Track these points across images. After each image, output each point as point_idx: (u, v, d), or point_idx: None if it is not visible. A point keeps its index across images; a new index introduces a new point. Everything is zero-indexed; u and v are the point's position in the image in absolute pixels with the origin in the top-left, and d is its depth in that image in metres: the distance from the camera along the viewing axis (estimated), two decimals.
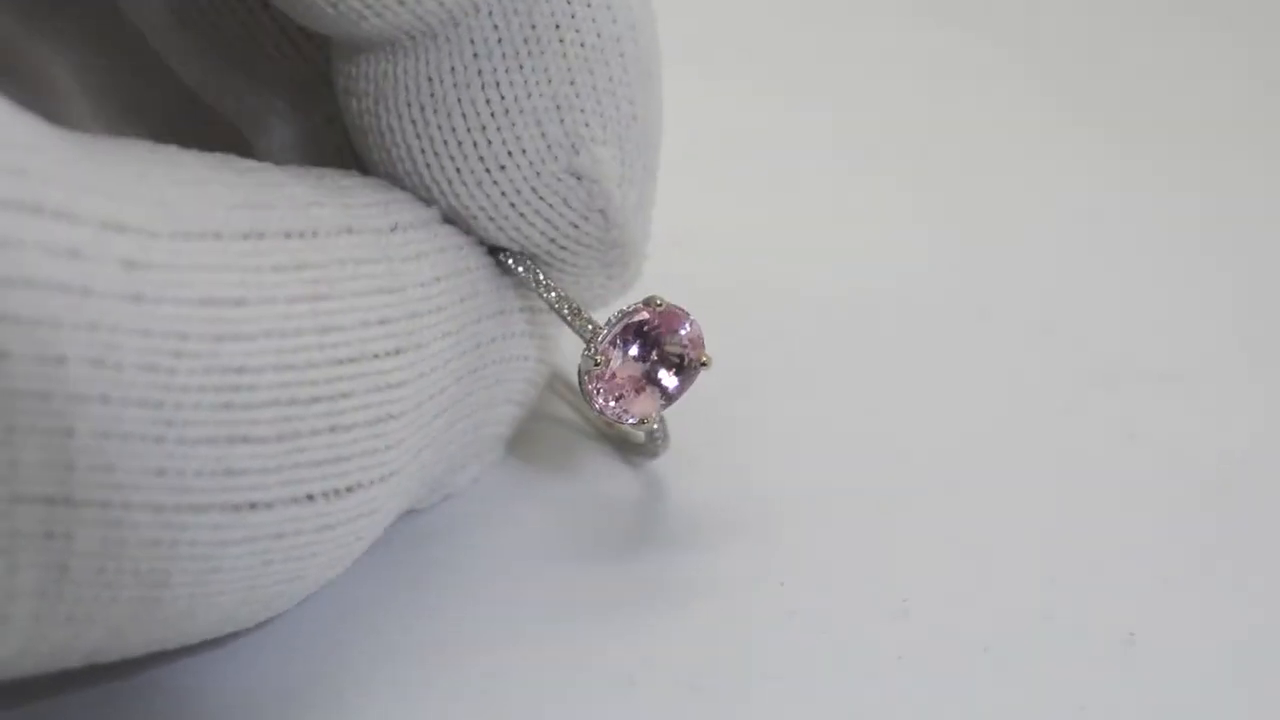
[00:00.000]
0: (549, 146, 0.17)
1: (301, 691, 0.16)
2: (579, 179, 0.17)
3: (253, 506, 0.14)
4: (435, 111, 0.16)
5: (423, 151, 0.17)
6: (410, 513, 0.19)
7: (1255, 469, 0.21)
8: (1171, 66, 0.41)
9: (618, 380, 0.18)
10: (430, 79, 0.16)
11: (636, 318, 0.18)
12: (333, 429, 0.14)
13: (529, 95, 0.16)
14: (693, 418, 0.20)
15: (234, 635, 0.17)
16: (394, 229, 0.16)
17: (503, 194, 0.17)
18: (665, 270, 0.22)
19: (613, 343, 0.17)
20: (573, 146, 0.17)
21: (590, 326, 0.18)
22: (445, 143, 0.17)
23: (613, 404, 0.18)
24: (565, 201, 0.17)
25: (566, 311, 0.18)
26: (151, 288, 0.13)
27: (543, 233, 0.17)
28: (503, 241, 0.18)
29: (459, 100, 0.16)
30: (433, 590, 0.18)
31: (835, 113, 0.36)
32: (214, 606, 0.14)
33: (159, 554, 0.13)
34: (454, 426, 0.17)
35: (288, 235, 0.14)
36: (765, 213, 0.31)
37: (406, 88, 0.16)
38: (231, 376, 0.13)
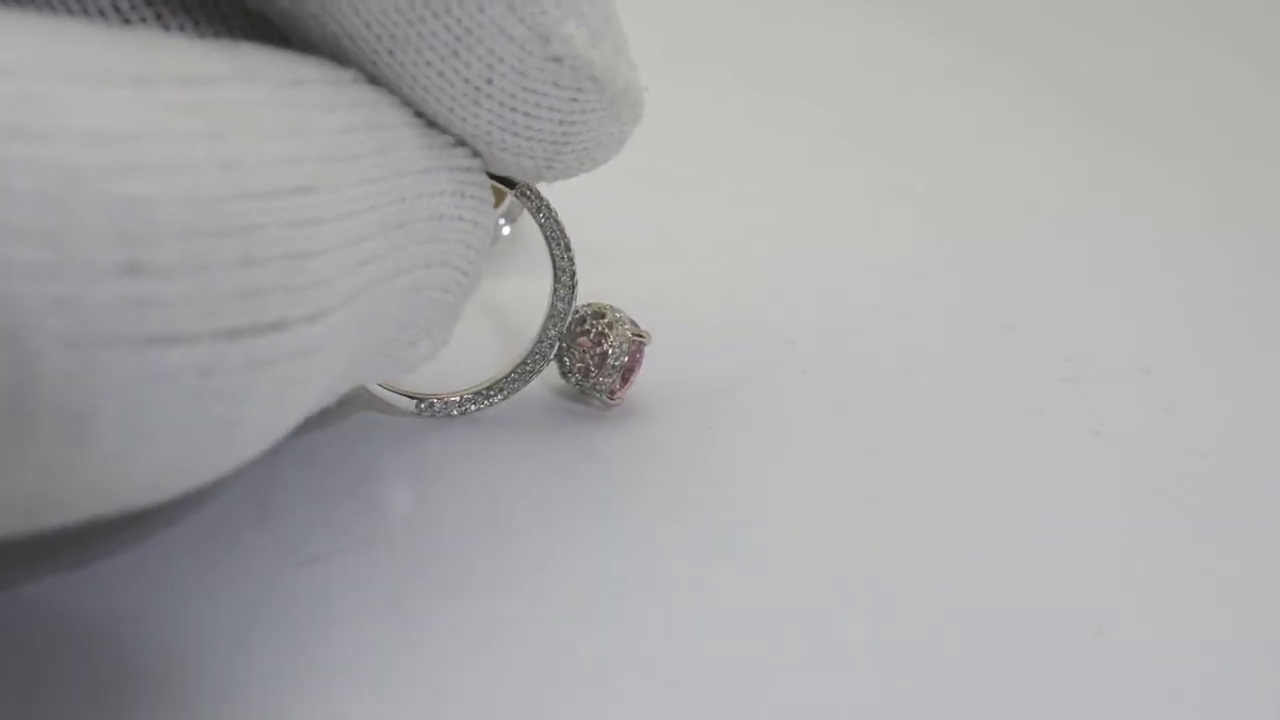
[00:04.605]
0: (520, 46, 0.17)
1: (288, 690, 0.16)
2: (559, 61, 0.17)
3: (173, 340, 0.13)
4: (404, 51, 0.17)
5: (412, 90, 0.17)
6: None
7: (1218, 464, 0.22)
8: (1137, 68, 0.42)
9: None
10: (384, 22, 0.17)
11: (637, 357, 0.21)
12: (247, 261, 0.14)
13: (481, 9, 0.17)
14: (675, 416, 0.21)
15: (221, 633, 0.17)
16: (297, 83, 0.16)
17: (501, 103, 0.18)
18: (649, 276, 0.22)
19: (625, 379, 0.21)
20: (541, 37, 0.17)
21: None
22: (428, 76, 0.17)
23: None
24: (556, 84, 0.18)
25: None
26: (39, 123, 0.13)
27: (549, 119, 0.18)
28: (521, 143, 0.18)
29: (419, 35, 0.17)
30: (418, 588, 0.18)
31: (804, 114, 0.37)
32: (148, 450, 0.14)
33: (76, 389, 0.13)
34: (390, 281, 0.17)
35: (177, 80, 0.14)
36: (743, 216, 0.31)
37: (369, 25, 0.17)
38: (128, 207, 0.13)
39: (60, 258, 0.13)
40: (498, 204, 0.23)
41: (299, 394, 0.16)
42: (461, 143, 0.19)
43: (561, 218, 0.21)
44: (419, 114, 0.18)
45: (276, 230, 0.14)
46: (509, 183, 0.20)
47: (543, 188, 0.21)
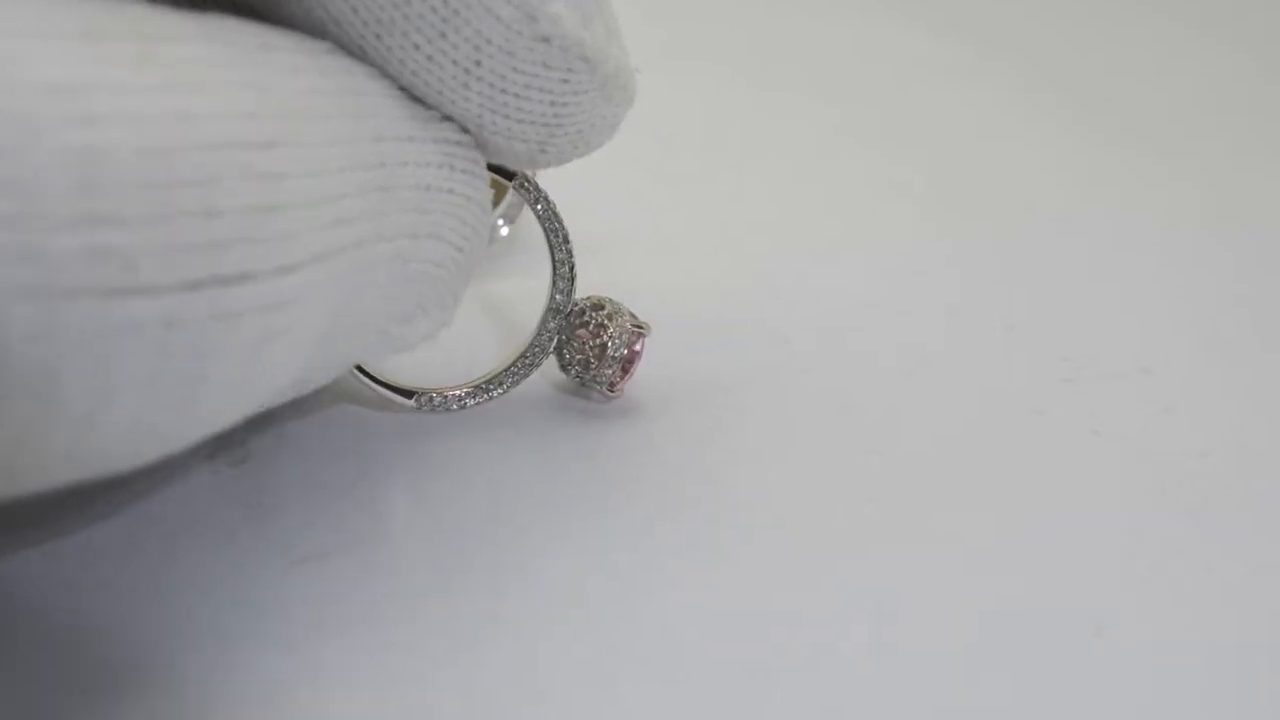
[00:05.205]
0: (508, 27, 0.17)
1: (281, 691, 0.16)
2: (548, 41, 0.17)
3: (135, 292, 0.13)
4: (391, 35, 0.17)
5: (400, 73, 0.17)
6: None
7: (1218, 464, 0.22)
8: (1137, 65, 0.41)
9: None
10: (371, 5, 0.17)
11: (636, 348, 0.21)
12: (207, 212, 0.14)
13: None
14: (674, 413, 0.21)
15: (212, 633, 0.17)
16: (265, 48, 0.16)
17: (490, 85, 0.18)
18: (647, 272, 0.22)
19: (625, 371, 0.21)
20: (529, 17, 0.17)
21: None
22: (416, 60, 0.17)
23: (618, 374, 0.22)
24: (546, 65, 0.18)
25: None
26: None
27: (540, 101, 0.18)
28: (512, 126, 0.18)
29: (405, 17, 0.17)
30: (414, 586, 0.18)
31: (803, 110, 0.37)
32: (116, 406, 0.14)
33: (41, 342, 0.13)
34: (373, 246, 0.17)
35: (133, 35, 0.14)
36: (742, 212, 0.31)
37: (355, 9, 0.17)
38: (84, 158, 0.13)
39: (19, 208, 0.13)
40: (497, 200, 0.23)
41: (271, 352, 0.15)
42: (450, 117, 0.18)
43: (560, 211, 0.21)
44: (402, 87, 0.18)
45: (236, 182, 0.14)
46: (508, 174, 0.20)
47: (541, 181, 0.21)
